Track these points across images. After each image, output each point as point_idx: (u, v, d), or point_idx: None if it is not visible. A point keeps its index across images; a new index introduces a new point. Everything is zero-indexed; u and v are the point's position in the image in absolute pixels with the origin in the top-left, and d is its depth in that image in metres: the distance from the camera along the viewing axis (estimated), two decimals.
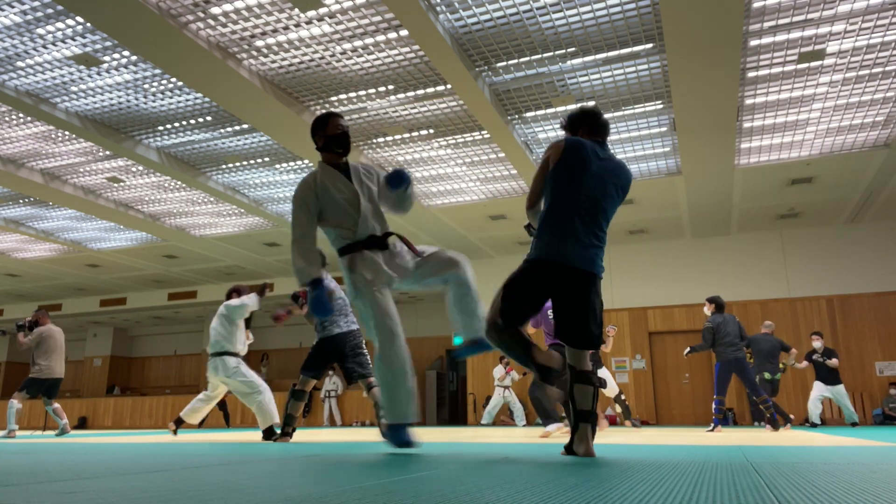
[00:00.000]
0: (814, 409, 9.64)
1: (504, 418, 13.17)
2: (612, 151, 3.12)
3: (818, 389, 9.62)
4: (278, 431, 5.88)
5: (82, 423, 16.85)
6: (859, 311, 11.68)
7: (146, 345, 21.44)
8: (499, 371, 12.87)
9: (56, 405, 8.33)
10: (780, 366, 8.94)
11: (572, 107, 7.71)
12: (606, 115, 7.87)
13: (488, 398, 13.33)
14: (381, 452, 3.36)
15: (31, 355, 8.24)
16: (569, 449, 2.96)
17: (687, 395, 12.16)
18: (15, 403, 8.07)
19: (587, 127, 3.11)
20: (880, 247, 11.76)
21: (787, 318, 11.96)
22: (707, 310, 8.18)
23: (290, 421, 5.71)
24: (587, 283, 3.04)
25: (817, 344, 9.59)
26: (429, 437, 6.16)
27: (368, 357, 5.48)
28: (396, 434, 3.20)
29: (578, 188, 2.92)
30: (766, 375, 8.85)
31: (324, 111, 3.47)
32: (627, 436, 6.10)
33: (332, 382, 15.48)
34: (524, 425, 12.51)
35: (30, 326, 8.37)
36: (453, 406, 17.46)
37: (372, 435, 7.07)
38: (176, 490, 1.65)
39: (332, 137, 3.42)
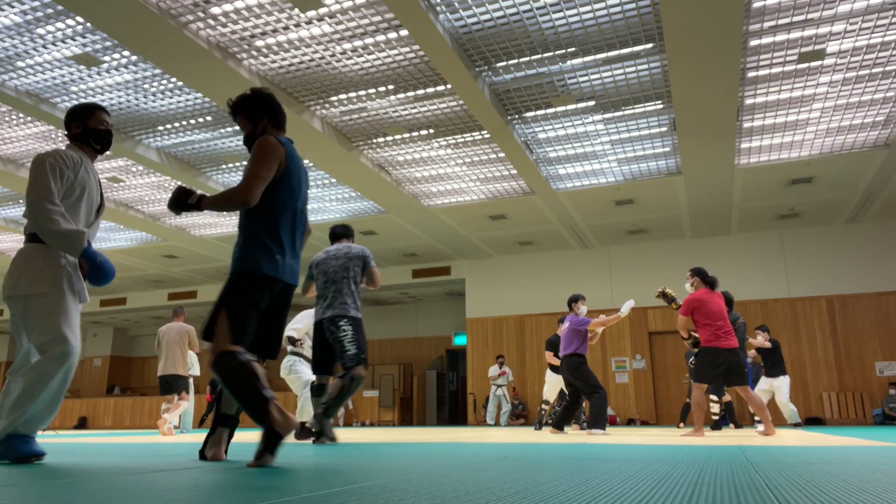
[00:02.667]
0: (791, 408, 8.89)
1: (510, 419, 13.17)
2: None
3: (761, 384, 8.77)
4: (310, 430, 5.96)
5: (82, 423, 16.85)
6: (859, 311, 11.68)
7: (146, 345, 21.44)
8: (494, 370, 12.92)
9: (167, 405, 8.59)
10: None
11: (572, 107, 7.72)
12: (606, 115, 7.92)
13: (488, 398, 13.34)
14: (381, 452, 3.36)
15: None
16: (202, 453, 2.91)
17: (686, 395, 12.15)
18: (164, 405, 8.66)
19: (277, 119, 2.91)
20: (880, 247, 11.76)
21: (787, 318, 11.97)
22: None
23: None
24: None
25: (760, 339, 8.87)
26: (429, 437, 6.16)
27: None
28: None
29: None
30: None
31: (88, 103, 3.22)
32: (628, 436, 6.11)
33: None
34: (507, 424, 12.57)
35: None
36: (453, 406, 17.46)
37: (376, 435, 7.07)
38: (176, 490, 1.65)
39: (86, 133, 3.14)
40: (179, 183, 2.76)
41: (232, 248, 13.27)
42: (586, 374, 6.73)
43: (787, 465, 2.39)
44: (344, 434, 7.53)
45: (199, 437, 7.20)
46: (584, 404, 11.90)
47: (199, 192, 2.72)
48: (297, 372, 6.47)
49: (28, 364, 2.83)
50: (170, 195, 2.72)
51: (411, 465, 2.47)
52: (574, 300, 7.23)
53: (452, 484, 1.74)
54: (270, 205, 2.71)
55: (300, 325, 6.54)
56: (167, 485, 1.79)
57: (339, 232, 5.18)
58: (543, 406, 9.08)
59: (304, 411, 6.24)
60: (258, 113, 2.86)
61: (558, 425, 6.85)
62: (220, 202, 2.62)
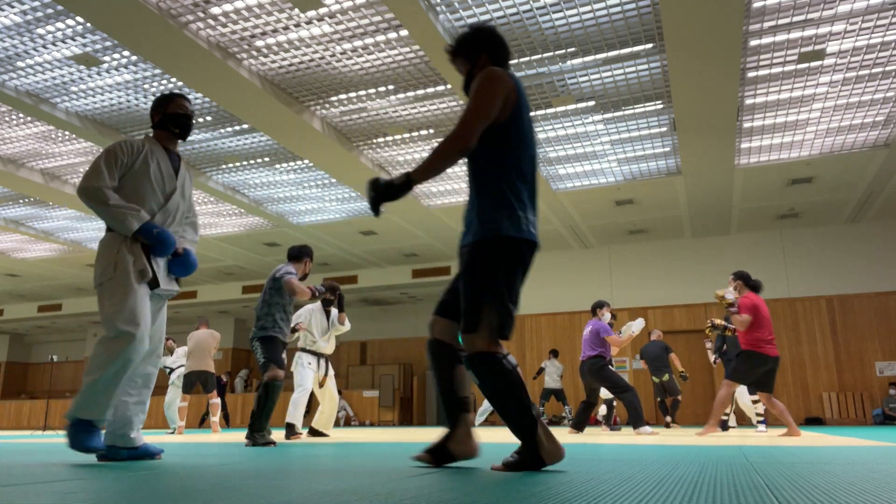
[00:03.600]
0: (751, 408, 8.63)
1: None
2: None
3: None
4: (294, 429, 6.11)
5: None
6: (859, 311, 11.68)
7: None
8: None
9: (184, 404, 9.01)
10: (682, 371, 8.86)
11: (572, 107, 7.72)
12: (606, 115, 7.92)
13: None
14: (380, 452, 3.36)
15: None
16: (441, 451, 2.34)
17: (687, 395, 12.16)
18: (180, 402, 9.06)
19: (498, 54, 2.43)
20: (880, 247, 11.76)
21: (787, 318, 11.97)
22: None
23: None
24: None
25: (709, 344, 8.82)
26: (429, 437, 6.17)
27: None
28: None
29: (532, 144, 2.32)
30: (654, 378, 9.10)
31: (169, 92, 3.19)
32: (628, 436, 6.11)
33: None
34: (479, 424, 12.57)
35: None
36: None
37: (376, 434, 7.07)
38: (176, 490, 1.65)
39: (167, 118, 3.16)
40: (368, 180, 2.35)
41: (232, 249, 13.30)
42: (610, 374, 6.69)
43: (787, 465, 2.39)
44: (344, 434, 7.53)
45: (201, 437, 7.20)
46: (568, 406, 11.97)
47: (384, 178, 2.27)
48: (299, 374, 6.49)
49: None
50: (369, 197, 2.24)
51: (411, 465, 2.47)
52: (599, 306, 7.20)
53: (453, 484, 1.74)
54: (505, 149, 2.22)
55: (302, 320, 6.57)
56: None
57: (288, 253, 5.44)
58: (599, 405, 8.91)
59: (291, 414, 6.28)
60: (476, 49, 2.42)
61: (577, 426, 6.79)
62: (435, 160, 2.17)
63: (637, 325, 6.93)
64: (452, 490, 1.59)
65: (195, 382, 8.89)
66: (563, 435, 6.41)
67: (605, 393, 8.52)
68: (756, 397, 7.74)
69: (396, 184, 2.19)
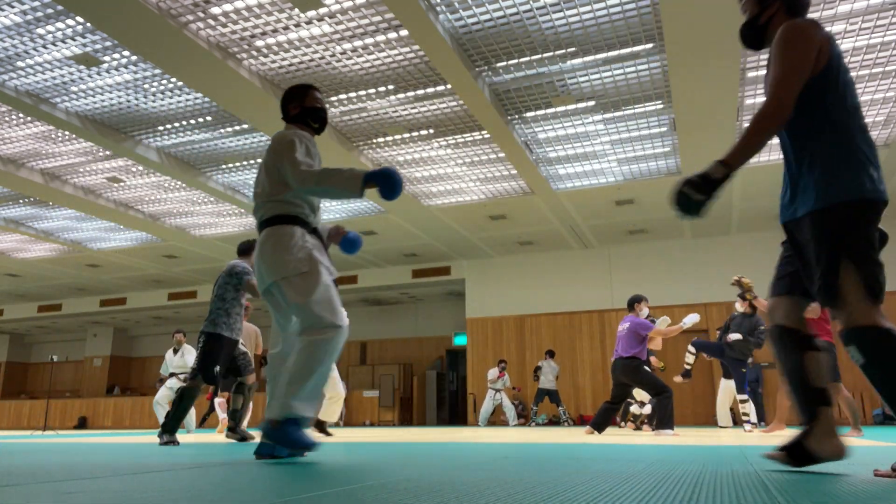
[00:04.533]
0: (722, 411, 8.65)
1: (504, 418, 13.17)
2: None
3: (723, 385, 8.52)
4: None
5: (82, 423, 16.85)
6: None
7: (146, 345, 21.44)
8: (493, 373, 12.86)
9: (222, 400, 9.00)
10: (661, 366, 8.65)
11: (572, 107, 7.71)
12: (606, 115, 7.92)
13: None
14: (380, 452, 3.36)
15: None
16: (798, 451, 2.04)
17: (687, 395, 12.16)
18: (217, 399, 9.12)
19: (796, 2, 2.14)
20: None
21: None
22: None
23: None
24: None
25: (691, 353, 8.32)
26: (429, 437, 6.16)
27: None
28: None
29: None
30: None
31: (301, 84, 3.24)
32: (628, 436, 6.11)
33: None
34: (516, 425, 12.54)
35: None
36: (453, 406, 17.46)
37: (376, 434, 7.07)
38: (176, 490, 1.65)
39: (306, 111, 3.12)
40: (684, 178, 1.96)
41: (232, 249, 13.27)
42: (647, 375, 6.47)
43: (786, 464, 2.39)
44: (344, 434, 7.53)
45: (199, 437, 7.20)
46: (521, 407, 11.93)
47: (692, 175, 1.97)
48: None
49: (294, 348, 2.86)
50: (682, 199, 1.98)
51: (411, 465, 2.47)
52: (637, 300, 6.91)
53: (452, 484, 1.74)
54: (840, 103, 1.98)
55: None
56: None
57: (239, 248, 5.44)
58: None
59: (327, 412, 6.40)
60: None
61: (597, 427, 6.52)
62: (752, 139, 1.95)
63: (689, 320, 6.71)
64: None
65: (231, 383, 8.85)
66: (573, 435, 6.41)
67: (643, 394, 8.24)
68: (744, 396, 7.71)
69: (714, 176, 1.93)
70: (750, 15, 2.22)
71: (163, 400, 9.40)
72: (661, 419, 6.30)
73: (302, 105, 3.11)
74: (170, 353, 9.56)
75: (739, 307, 7.57)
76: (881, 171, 1.98)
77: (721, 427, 8.63)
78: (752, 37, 2.25)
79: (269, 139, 8.41)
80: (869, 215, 1.90)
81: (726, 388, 8.48)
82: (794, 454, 2.04)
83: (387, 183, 2.70)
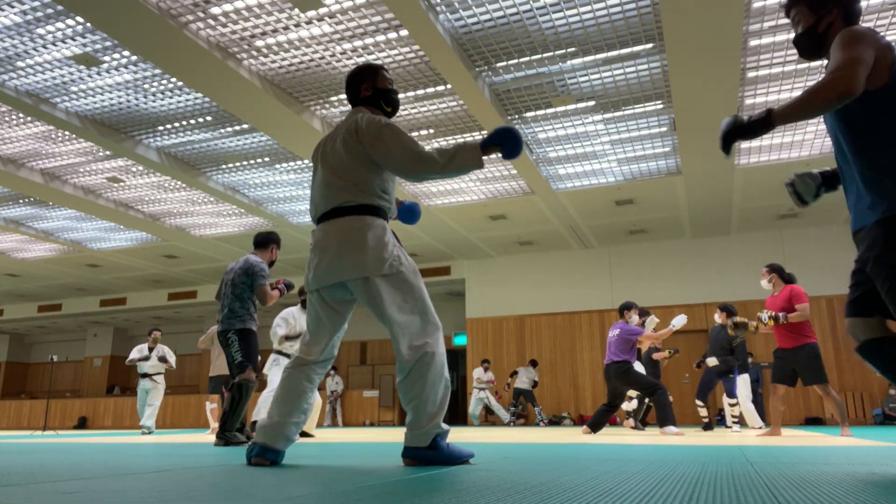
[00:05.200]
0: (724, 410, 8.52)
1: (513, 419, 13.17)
2: None
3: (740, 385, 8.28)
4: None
5: (82, 423, 16.85)
6: None
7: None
8: (478, 372, 12.98)
9: (215, 405, 8.92)
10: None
11: (572, 107, 7.71)
12: (606, 115, 7.92)
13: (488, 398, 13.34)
14: (380, 452, 3.36)
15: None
16: None
17: (687, 395, 12.16)
18: (209, 405, 8.96)
19: (852, 12, 2.15)
20: None
21: None
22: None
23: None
24: None
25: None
26: None
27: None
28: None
29: None
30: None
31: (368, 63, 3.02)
32: (628, 436, 6.11)
33: (336, 383, 15.47)
34: (510, 423, 12.69)
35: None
36: (453, 406, 17.44)
37: (376, 434, 7.07)
38: (176, 490, 1.65)
39: (379, 93, 2.80)
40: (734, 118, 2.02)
41: (232, 249, 13.28)
42: (637, 376, 6.52)
43: (787, 465, 2.39)
44: (343, 434, 7.53)
45: (199, 438, 7.20)
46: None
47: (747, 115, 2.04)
48: (274, 374, 6.44)
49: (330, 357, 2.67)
50: (726, 132, 2.05)
51: (410, 464, 2.47)
52: (627, 308, 6.98)
53: (452, 484, 1.74)
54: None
55: (283, 327, 6.52)
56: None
57: (256, 240, 5.30)
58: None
59: (258, 413, 6.22)
60: (828, 2, 2.17)
61: (594, 427, 6.57)
62: (808, 101, 1.91)
63: (678, 321, 6.76)
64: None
65: (220, 385, 8.75)
66: (574, 435, 6.41)
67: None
68: (733, 400, 7.71)
69: (756, 120, 1.99)
70: (805, 25, 2.23)
71: (142, 402, 9.24)
72: (663, 417, 6.32)
73: (374, 86, 2.80)
74: (137, 352, 9.39)
75: (718, 318, 7.66)
76: None
77: (754, 427, 8.38)
78: (812, 46, 2.23)
79: (270, 139, 8.46)
80: None
81: (743, 386, 8.35)
82: None
83: (507, 142, 2.50)
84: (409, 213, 3.02)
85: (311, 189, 2.72)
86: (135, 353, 9.48)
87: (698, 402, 7.97)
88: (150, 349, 9.44)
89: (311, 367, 2.63)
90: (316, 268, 2.56)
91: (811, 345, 5.61)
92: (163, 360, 9.43)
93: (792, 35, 6.25)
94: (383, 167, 2.57)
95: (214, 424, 8.82)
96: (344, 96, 7.40)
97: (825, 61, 2.24)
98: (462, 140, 2.37)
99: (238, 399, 4.77)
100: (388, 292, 2.46)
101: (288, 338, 6.47)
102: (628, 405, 8.05)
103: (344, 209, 2.54)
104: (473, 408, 13.12)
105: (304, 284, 2.69)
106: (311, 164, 2.72)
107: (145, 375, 9.36)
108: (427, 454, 2.43)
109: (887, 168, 1.94)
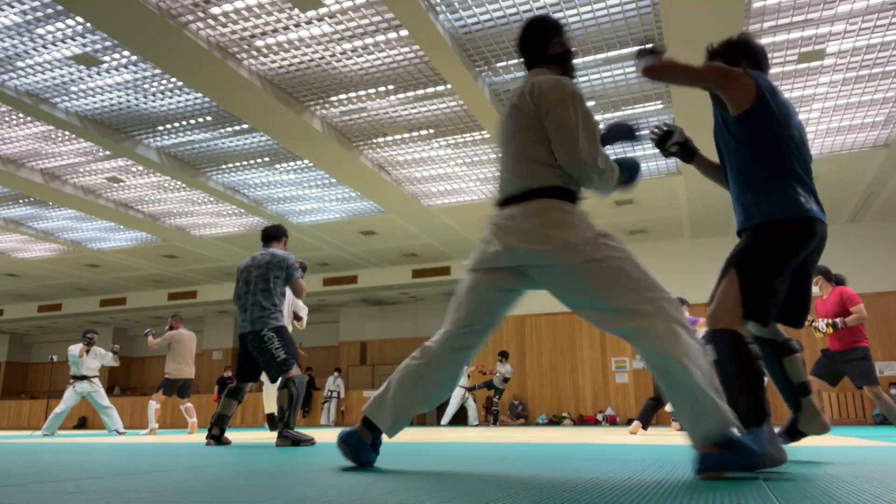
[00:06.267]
0: None
1: (504, 418, 13.17)
2: None
3: None
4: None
5: (82, 423, 16.85)
6: None
7: (146, 345, 21.43)
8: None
9: (188, 405, 8.91)
10: None
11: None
12: (606, 115, 7.92)
13: (488, 398, 13.34)
14: (382, 453, 3.35)
15: (165, 358, 8.98)
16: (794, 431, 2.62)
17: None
18: (153, 404, 8.84)
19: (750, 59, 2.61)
20: (880, 247, 11.76)
21: None
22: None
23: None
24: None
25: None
26: (429, 437, 6.16)
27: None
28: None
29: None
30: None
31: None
32: (628, 436, 6.11)
33: (336, 384, 15.47)
34: (476, 424, 12.66)
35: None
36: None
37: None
38: (176, 490, 1.65)
39: (568, 54, 2.39)
40: None
41: (232, 248, 13.30)
42: None
43: (786, 464, 2.39)
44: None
45: (200, 438, 7.20)
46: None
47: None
48: None
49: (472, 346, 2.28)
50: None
51: (411, 464, 2.47)
52: (681, 303, 7.09)
53: (452, 484, 1.74)
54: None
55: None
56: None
57: (269, 234, 5.07)
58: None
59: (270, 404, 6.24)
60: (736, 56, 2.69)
61: (644, 423, 6.57)
62: (676, 70, 2.56)
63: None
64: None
65: (175, 389, 8.73)
66: (574, 435, 6.41)
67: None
68: None
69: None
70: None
71: (70, 404, 8.98)
72: None
73: (564, 45, 2.37)
74: (74, 350, 9.15)
75: None
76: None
77: None
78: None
79: (270, 139, 8.46)
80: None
81: None
82: (791, 433, 2.65)
83: (635, 176, 2.41)
84: (628, 133, 2.60)
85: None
86: (74, 349, 9.19)
87: None
88: (87, 350, 9.14)
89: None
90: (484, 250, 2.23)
91: (862, 348, 5.46)
92: (107, 356, 9.22)
93: (791, 35, 6.26)
94: (551, 142, 2.13)
95: (154, 425, 8.79)
96: (344, 96, 7.42)
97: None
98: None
99: (296, 395, 4.55)
100: (575, 278, 2.10)
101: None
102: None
103: (537, 191, 2.13)
104: (453, 408, 13.13)
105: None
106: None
107: (82, 378, 9.07)
108: (717, 460, 1.86)
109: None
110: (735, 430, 1.85)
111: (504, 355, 12.76)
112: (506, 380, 12.59)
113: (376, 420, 2.32)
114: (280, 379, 4.66)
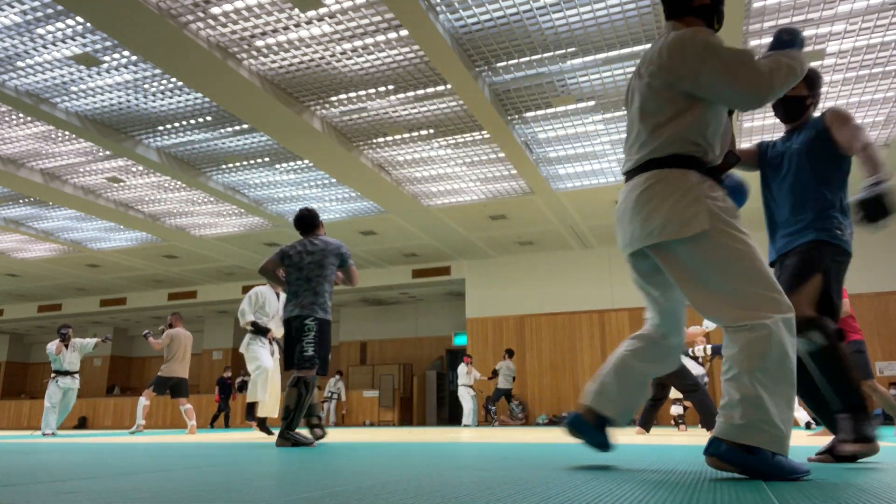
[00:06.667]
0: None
1: (503, 418, 13.17)
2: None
3: None
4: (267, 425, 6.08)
5: (82, 423, 16.85)
6: (859, 311, 11.66)
7: (146, 345, 21.42)
8: (462, 368, 12.90)
9: (188, 406, 8.81)
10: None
11: (572, 107, 7.71)
12: (606, 115, 7.92)
13: (488, 398, 13.33)
14: (380, 452, 3.35)
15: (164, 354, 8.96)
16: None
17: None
18: (143, 400, 8.76)
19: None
20: (880, 247, 11.76)
21: None
22: None
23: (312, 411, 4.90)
24: None
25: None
26: (429, 437, 6.17)
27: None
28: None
29: None
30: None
31: None
32: (628, 436, 6.10)
33: (336, 385, 15.47)
34: (468, 424, 12.63)
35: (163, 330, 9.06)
36: (453, 406, 17.45)
37: (376, 434, 7.06)
38: (176, 490, 1.65)
39: (720, 9, 2.18)
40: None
41: (232, 249, 13.31)
42: (684, 370, 6.32)
43: None
44: (343, 434, 7.52)
45: (199, 438, 7.20)
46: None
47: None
48: (254, 353, 6.48)
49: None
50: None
51: (411, 465, 2.47)
52: None
53: (452, 484, 1.74)
54: None
55: (246, 305, 6.54)
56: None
57: (310, 222, 4.83)
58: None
59: (255, 394, 6.26)
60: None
61: (644, 425, 6.56)
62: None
63: (709, 323, 6.56)
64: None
65: (167, 387, 8.69)
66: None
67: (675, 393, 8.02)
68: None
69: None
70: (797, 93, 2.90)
71: (55, 399, 8.90)
72: (709, 418, 6.14)
73: None
74: (52, 348, 9.02)
75: None
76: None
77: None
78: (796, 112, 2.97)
79: (270, 139, 8.46)
80: None
81: None
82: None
83: (740, 198, 2.43)
84: (737, 192, 2.42)
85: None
86: (51, 346, 9.07)
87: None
88: (65, 346, 9.03)
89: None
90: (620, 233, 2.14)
91: (856, 342, 5.42)
92: (87, 343, 9.15)
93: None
94: (708, 98, 1.99)
95: (142, 422, 8.75)
96: (344, 96, 7.42)
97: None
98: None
99: (305, 395, 4.38)
100: (683, 260, 1.95)
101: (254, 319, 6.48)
102: (676, 409, 7.97)
103: (647, 164, 2.03)
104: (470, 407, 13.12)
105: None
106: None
107: (66, 373, 9.00)
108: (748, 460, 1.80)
109: None
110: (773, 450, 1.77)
111: (510, 353, 12.77)
112: (513, 378, 12.60)
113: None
114: (293, 376, 4.51)
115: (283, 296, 6.54)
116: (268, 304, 6.53)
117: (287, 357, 4.67)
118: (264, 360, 6.43)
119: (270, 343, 6.60)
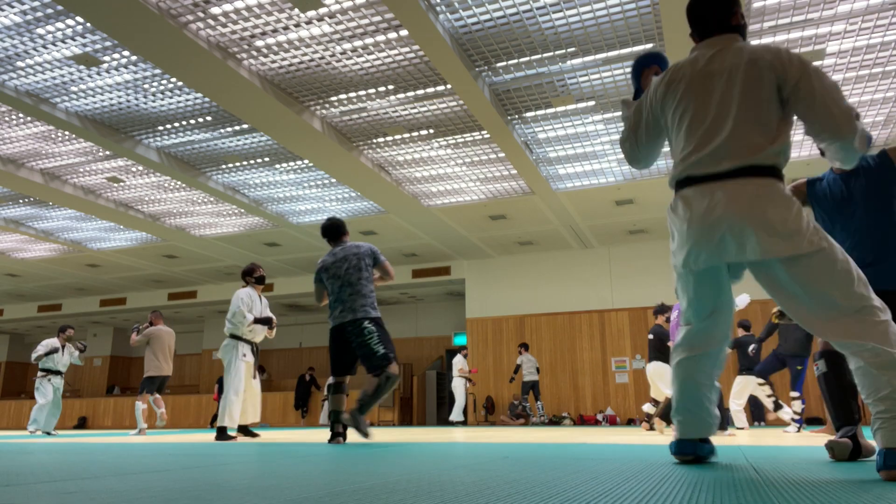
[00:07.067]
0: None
1: (504, 418, 13.17)
2: None
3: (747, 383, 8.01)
4: (229, 433, 6.00)
5: (82, 423, 16.85)
6: None
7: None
8: (458, 359, 12.88)
9: (157, 395, 8.79)
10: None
11: (572, 107, 7.71)
12: (606, 115, 7.92)
13: (488, 398, 13.34)
14: (381, 452, 3.35)
15: (144, 354, 8.94)
16: None
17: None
18: (140, 404, 8.75)
19: None
20: None
21: None
22: None
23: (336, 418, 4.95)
24: None
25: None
26: (429, 437, 6.17)
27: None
28: None
29: None
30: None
31: None
32: (628, 436, 6.10)
33: None
34: (460, 422, 12.61)
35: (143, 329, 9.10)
36: (453, 406, 17.45)
37: (376, 434, 7.05)
38: (176, 490, 1.65)
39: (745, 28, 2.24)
40: None
41: (232, 249, 13.30)
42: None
43: (787, 464, 2.39)
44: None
45: (200, 438, 7.20)
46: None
47: None
48: (236, 370, 6.26)
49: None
50: None
51: (411, 465, 2.47)
52: (659, 311, 7.27)
53: (452, 484, 1.74)
54: None
55: (241, 306, 6.41)
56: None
57: (339, 230, 5.11)
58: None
59: (224, 420, 6.09)
60: None
61: (666, 418, 6.38)
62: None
63: (742, 301, 6.36)
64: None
65: (156, 386, 8.70)
66: (574, 435, 6.41)
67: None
68: (796, 393, 7.39)
69: None
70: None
71: (50, 397, 8.93)
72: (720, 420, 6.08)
73: (742, 17, 2.24)
74: (55, 343, 9.10)
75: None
76: None
77: (737, 428, 7.99)
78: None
79: (270, 139, 8.45)
80: None
81: (745, 384, 7.95)
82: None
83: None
84: None
85: (695, 132, 2.12)
86: (41, 349, 9.08)
87: (794, 395, 7.44)
88: (62, 346, 9.11)
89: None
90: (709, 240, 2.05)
91: None
92: (80, 349, 9.21)
93: (791, 35, 6.25)
94: (801, 118, 1.99)
95: (143, 425, 8.71)
96: (344, 96, 7.42)
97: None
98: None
99: (384, 385, 4.56)
100: (818, 271, 1.96)
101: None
102: (650, 408, 8.01)
103: (763, 168, 2.01)
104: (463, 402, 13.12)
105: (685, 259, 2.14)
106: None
107: (57, 373, 9.09)
108: None
109: None
110: None
111: (525, 347, 12.73)
112: (537, 369, 12.53)
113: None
114: (376, 372, 4.64)
115: (265, 299, 6.56)
116: (255, 306, 6.46)
117: (337, 364, 4.84)
118: (241, 384, 6.17)
119: (254, 352, 6.45)
